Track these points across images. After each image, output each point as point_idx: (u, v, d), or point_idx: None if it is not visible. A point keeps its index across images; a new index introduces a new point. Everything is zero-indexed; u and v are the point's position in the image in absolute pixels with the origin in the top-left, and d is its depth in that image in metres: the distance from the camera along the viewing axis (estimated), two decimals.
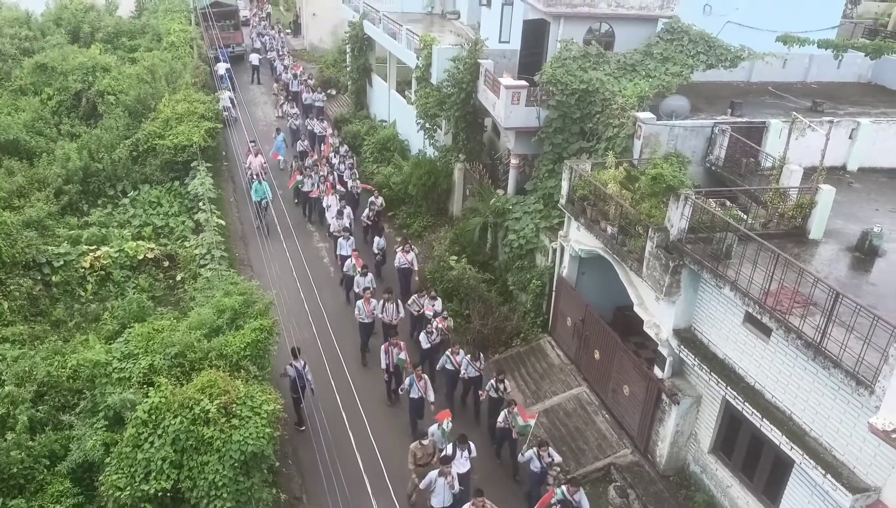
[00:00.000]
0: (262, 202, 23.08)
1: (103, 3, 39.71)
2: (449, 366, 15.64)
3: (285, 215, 21.98)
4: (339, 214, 21.97)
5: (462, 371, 15.58)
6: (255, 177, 23.89)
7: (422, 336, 16.66)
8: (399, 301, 17.62)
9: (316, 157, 27.62)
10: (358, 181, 25.32)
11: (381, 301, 17.38)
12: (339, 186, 24.76)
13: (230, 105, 31.78)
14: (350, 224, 22.29)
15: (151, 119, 26.13)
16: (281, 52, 43.21)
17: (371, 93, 33.61)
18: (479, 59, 20.74)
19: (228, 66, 35.69)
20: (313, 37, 46.95)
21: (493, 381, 15.01)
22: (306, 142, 29.82)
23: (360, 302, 17.51)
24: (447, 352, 15.71)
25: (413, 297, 18.01)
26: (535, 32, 20.30)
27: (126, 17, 40.41)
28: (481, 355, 16.03)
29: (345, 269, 19.93)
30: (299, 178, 25.18)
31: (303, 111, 33.62)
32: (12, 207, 20.57)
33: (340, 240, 20.63)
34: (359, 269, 18.86)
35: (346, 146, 29.05)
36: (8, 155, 23.64)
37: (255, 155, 25.52)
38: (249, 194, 23.89)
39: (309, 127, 31.59)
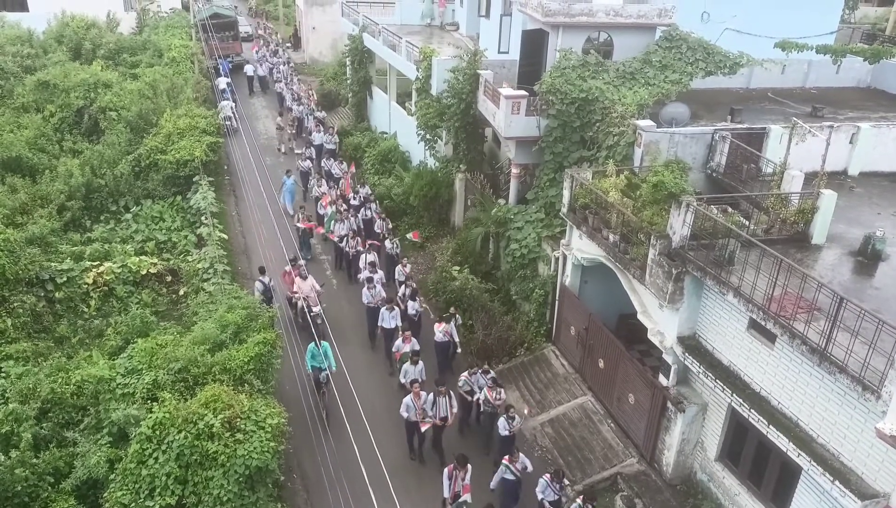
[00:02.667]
0: (321, 376, 15.74)
1: (104, 20, 39.97)
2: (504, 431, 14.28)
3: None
4: (371, 281, 18.48)
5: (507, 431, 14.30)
6: (308, 315, 17.40)
7: (501, 423, 14.11)
8: (452, 393, 14.64)
9: (338, 200, 23.93)
10: (387, 222, 22.98)
11: (432, 395, 14.40)
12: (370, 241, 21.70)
13: (231, 115, 31.95)
14: (383, 281, 19.38)
15: (153, 134, 26.23)
16: (289, 80, 39.99)
17: (371, 105, 33.74)
18: (478, 69, 20.83)
19: (229, 80, 35.89)
20: (313, 50, 47.18)
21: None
22: (323, 186, 25.65)
23: (408, 398, 14.36)
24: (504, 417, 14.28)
25: (463, 377, 15.44)
26: (534, 42, 20.37)
27: (127, 34, 40.71)
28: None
29: (394, 349, 16.87)
30: (325, 213, 22.63)
31: (317, 153, 29.95)
32: (15, 223, 20.61)
33: (383, 311, 17.59)
34: (405, 346, 16.20)
35: (367, 187, 25.94)
36: (11, 172, 23.73)
37: (304, 278, 18.21)
38: (303, 358, 16.64)
39: (326, 168, 28.06)
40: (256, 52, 45.10)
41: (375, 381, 17.38)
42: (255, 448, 11.66)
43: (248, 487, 11.68)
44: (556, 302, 17.76)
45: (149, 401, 12.81)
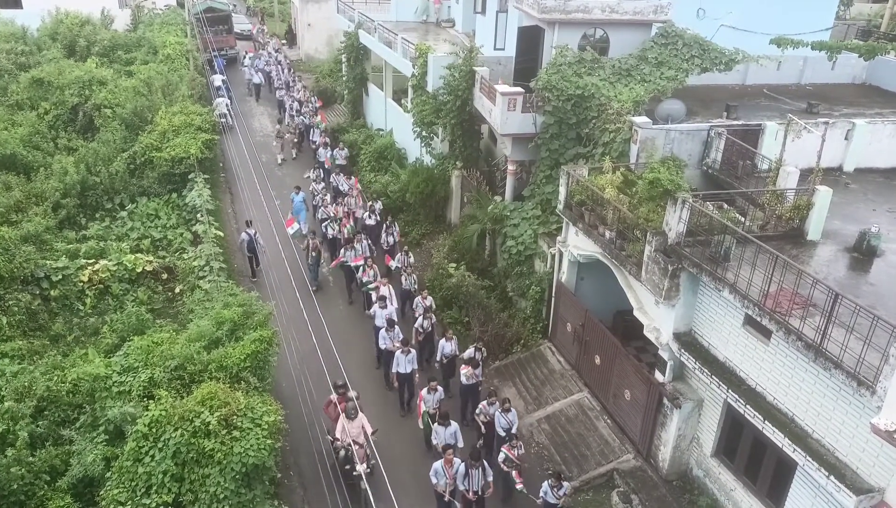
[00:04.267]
0: None
1: (99, 17, 39.82)
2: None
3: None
4: (391, 324, 16.85)
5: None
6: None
7: (544, 487, 12.82)
8: (487, 464, 12.89)
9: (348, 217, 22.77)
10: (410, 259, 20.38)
11: (464, 466, 12.69)
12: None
13: (227, 112, 31.87)
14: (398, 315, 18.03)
15: (148, 132, 26.15)
16: (291, 84, 37.75)
17: (367, 102, 33.67)
18: (474, 66, 20.81)
19: (225, 77, 35.80)
20: (309, 47, 47.04)
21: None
22: (328, 204, 24.02)
23: (438, 465, 12.85)
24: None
25: (481, 406, 14.68)
26: (530, 39, 20.36)
27: (122, 31, 40.49)
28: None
29: (399, 378, 15.91)
30: (346, 254, 20.34)
31: (322, 171, 27.64)
32: (10, 221, 20.54)
33: (398, 355, 15.82)
34: (430, 399, 14.53)
35: (380, 202, 24.05)
36: (5, 170, 23.62)
37: (352, 418, 13.61)
38: None
39: (334, 184, 26.08)
40: (250, 58, 41.76)
41: (374, 384, 17.28)
42: (251, 446, 11.65)
43: (244, 484, 11.68)
44: (553, 299, 17.78)
45: (145, 399, 12.80)
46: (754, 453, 12.32)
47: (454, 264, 19.89)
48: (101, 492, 11.54)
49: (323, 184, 26.03)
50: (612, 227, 14.51)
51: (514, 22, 21.36)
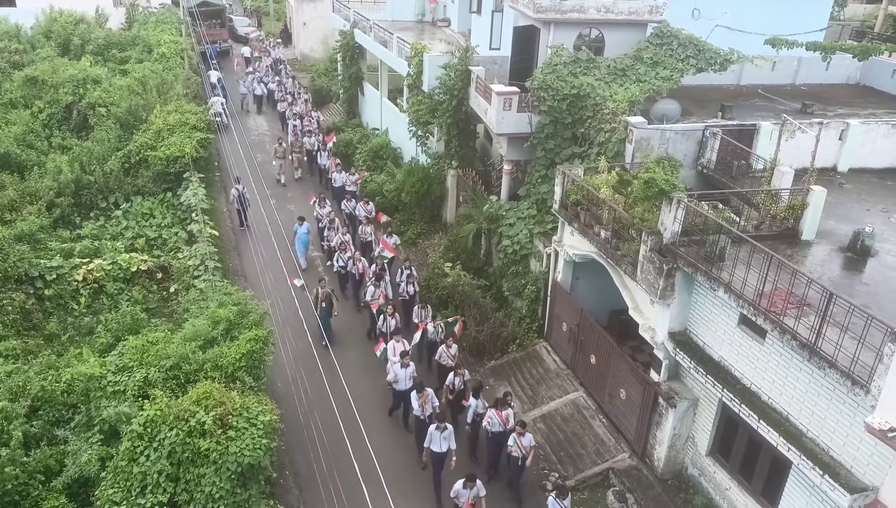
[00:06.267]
0: None
1: (93, 15, 39.67)
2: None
3: None
4: (421, 387, 14.74)
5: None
6: None
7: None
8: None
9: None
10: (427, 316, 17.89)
11: None
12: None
13: (222, 111, 31.77)
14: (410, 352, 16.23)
15: (143, 131, 26.06)
16: (296, 95, 35.34)
17: (363, 101, 33.65)
18: (470, 66, 20.82)
19: (220, 74, 35.67)
20: (304, 46, 46.97)
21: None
22: (347, 236, 21.42)
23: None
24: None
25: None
26: (526, 39, 20.38)
27: (116, 29, 40.36)
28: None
29: (452, 494, 12.79)
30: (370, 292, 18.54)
31: (334, 196, 25.33)
32: (4, 220, 20.47)
33: (432, 430, 13.67)
34: (465, 494, 12.50)
35: (395, 236, 21.52)
36: None
37: None
38: None
39: (346, 211, 23.68)
40: (253, 72, 38.98)
41: (369, 383, 17.06)
42: (247, 445, 11.63)
43: (240, 484, 11.66)
44: (548, 298, 17.80)
45: (140, 399, 12.74)
46: (749, 452, 12.36)
47: (450, 264, 19.88)
48: (97, 492, 11.50)
49: (329, 208, 23.21)
50: (608, 226, 14.54)
51: (510, 21, 21.38)
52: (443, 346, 16.32)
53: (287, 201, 26.92)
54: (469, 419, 14.83)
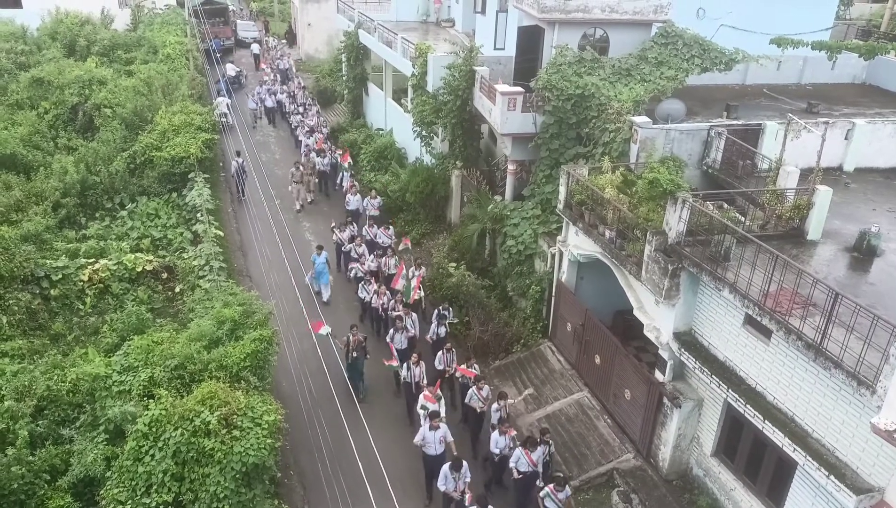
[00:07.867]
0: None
1: (99, 16, 39.83)
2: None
3: None
4: (458, 464, 12.68)
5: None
6: None
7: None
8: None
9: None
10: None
11: None
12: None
13: (227, 112, 31.84)
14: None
15: (148, 131, 26.13)
16: (308, 106, 34.32)
17: (367, 102, 33.68)
18: (474, 66, 20.82)
19: (226, 76, 35.70)
20: (309, 47, 47.04)
21: (473, 388, 14.40)
22: (371, 259, 20.33)
23: None
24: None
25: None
26: (530, 39, 20.38)
27: (122, 31, 40.53)
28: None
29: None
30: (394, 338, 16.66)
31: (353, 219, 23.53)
32: (10, 221, 20.53)
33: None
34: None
35: (418, 268, 19.46)
36: (5, 169, 23.60)
37: None
38: None
39: (367, 236, 21.71)
40: (264, 86, 37.49)
41: (373, 382, 17.05)
42: (251, 445, 11.64)
43: (244, 484, 11.67)
44: (553, 298, 17.78)
45: (145, 398, 12.79)
46: (754, 452, 12.32)
47: (454, 264, 19.89)
48: (102, 491, 11.53)
49: (348, 231, 21.82)
50: (612, 226, 14.51)
51: (514, 22, 21.37)
52: (473, 388, 14.65)
53: (302, 231, 24.81)
54: (502, 446, 13.52)
